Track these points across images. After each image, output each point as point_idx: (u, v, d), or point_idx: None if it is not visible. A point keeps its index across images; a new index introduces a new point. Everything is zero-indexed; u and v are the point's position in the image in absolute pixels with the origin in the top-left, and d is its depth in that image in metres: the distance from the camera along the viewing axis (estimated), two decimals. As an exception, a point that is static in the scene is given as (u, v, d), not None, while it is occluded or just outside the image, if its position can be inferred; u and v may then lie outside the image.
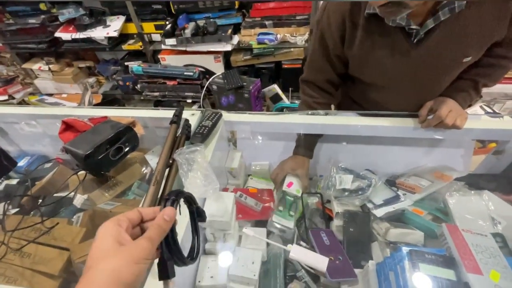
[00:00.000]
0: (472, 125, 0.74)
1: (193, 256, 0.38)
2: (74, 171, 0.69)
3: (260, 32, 1.79)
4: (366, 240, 0.67)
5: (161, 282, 0.33)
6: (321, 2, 0.76)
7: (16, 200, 0.78)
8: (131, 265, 0.29)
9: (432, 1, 0.58)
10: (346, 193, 0.74)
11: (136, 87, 1.93)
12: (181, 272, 0.54)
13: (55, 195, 0.78)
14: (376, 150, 0.88)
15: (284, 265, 0.65)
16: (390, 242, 0.63)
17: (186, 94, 1.88)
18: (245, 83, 1.65)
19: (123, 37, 1.99)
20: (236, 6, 1.78)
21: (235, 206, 0.70)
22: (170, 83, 1.85)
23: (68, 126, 0.72)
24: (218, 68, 1.92)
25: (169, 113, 0.72)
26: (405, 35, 0.64)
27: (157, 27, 1.87)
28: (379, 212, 0.68)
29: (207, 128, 0.71)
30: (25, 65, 2.22)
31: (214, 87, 1.74)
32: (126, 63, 2.00)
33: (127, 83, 2.08)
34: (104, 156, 0.61)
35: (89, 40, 1.92)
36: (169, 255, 0.33)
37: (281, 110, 1.84)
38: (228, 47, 1.78)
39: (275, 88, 1.82)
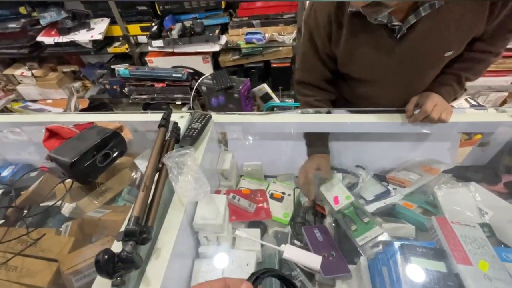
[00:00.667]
0: (457, 118, 0.75)
1: None
2: (60, 180, 0.67)
3: (247, 31, 1.78)
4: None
5: None
6: (307, 1, 0.77)
7: (0, 211, 0.75)
8: None
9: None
10: (338, 190, 0.75)
11: (123, 90, 1.90)
12: (175, 277, 0.53)
13: (41, 204, 0.76)
14: (366, 146, 0.89)
15: (279, 265, 0.65)
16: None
17: (175, 96, 1.86)
18: (234, 83, 1.64)
19: (108, 39, 1.95)
20: (223, 6, 1.77)
21: (228, 208, 0.70)
22: (158, 85, 1.82)
23: (52, 133, 0.70)
24: (207, 69, 1.91)
25: (158, 116, 0.71)
26: (388, 32, 0.65)
27: (143, 29, 1.84)
28: (371, 208, 0.68)
29: (196, 131, 0.71)
30: (7, 71, 2.15)
31: (203, 88, 1.72)
32: (112, 66, 1.96)
33: (114, 87, 2.03)
34: (91, 163, 0.60)
35: (73, 44, 1.87)
36: None
37: (271, 109, 1.84)
38: (216, 48, 1.76)
39: (265, 87, 1.82)
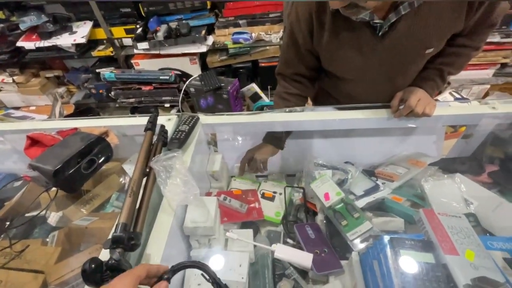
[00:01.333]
0: (441, 112, 0.77)
1: None
2: (44, 189, 0.65)
3: (234, 31, 1.78)
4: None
5: None
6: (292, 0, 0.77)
7: (-17, 224, 0.73)
8: None
9: (390, 0, 0.60)
10: (328, 187, 0.75)
11: (110, 94, 1.86)
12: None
13: (26, 215, 0.74)
14: (354, 142, 0.90)
15: (272, 265, 0.65)
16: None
17: (163, 98, 1.83)
18: (223, 84, 1.63)
19: (92, 43, 1.91)
20: (208, 7, 1.76)
21: (219, 210, 0.69)
22: (145, 88, 1.80)
23: (34, 141, 0.68)
24: (194, 70, 1.89)
25: (145, 120, 0.70)
26: (370, 30, 0.66)
27: (128, 31, 1.81)
28: (361, 203, 0.69)
29: (184, 133, 0.70)
30: (-14, 78, 2.07)
31: (192, 89, 1.71)
32: (97, 70, 1.92)
33: (100, 91, 1.99)
34: (75, 170, 0.58)
35: (55, 48, 1.82)
36: None
37: (261, 108, 1.84)
38: (203, 48, 1.75)
39: (254, 87, 1.82)
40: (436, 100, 1.91)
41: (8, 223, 0.68)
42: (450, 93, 1.94)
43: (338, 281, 0.60)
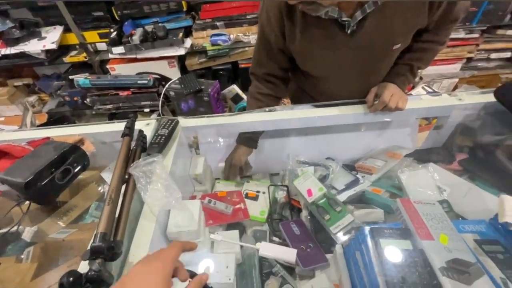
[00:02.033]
0: (414, 105, 0.81)
1: None
2: (16, 203, 0.61)
3: (212, 33, 1.77)
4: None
5: None
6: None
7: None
8: None
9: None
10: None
11: (85, 101, 1.80)
12: None
13: (-2, 232, 0.70)
14: (334, 138, 0.92)
15: (259, 264, 0.65)
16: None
17: (143, 103, 1.79)
18: (203, 86, 1.62)
19: (64, 48, 1.83)
20: (185, 9, 1.74)
21: (203, 212, 0.69)
22: (123, 93, 1.75)
23: (2, 153, 0.64)
24: (174, 73, 1.86)
25: (123, 126, 0.68)
26: (340, 27, 0.67)
27: (101, 36, 1.76)
28: (342, 197, 0.71)
29: (163, 137, 0.69)
30: None
31: (172, 93, 1.68)
32: (70, 77, 1.84)
33: (75, 98, 1.92)
34: (48, 181, 0.55)
35: (23, 55, 1.73)
36: None
37: (243, 109, 1.83)
38: (181, 51, 1.73)
39: (235, 88, 1.82)
40: (410, 94, 1.98)
41: (-24, 241, 0.63)
42: (423, 87, 2.04)
43: (324, 274, 0.61)
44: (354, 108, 0.82)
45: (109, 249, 0.43)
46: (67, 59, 1.83)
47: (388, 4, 0.63)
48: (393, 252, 0.49)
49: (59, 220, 0.69)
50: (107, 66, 1.83)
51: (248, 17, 1.75)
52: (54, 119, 1.94)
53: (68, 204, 0.72)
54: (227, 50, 1.79)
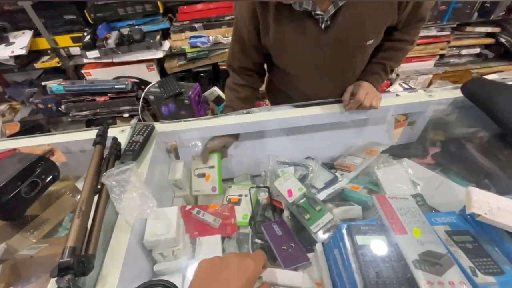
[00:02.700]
0: (388, 102, 0.83)
1: None
2: (-20, 220, 0.58)
3: (191, 35, 1.75)
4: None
5: None
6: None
7: None
8: None
9: None
10: (291, 184, 0.77)
11: (60, 108, 1.72)
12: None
13: (-38, 252, 0.65)
14: (313, 138, 0.93)
15: (241, 267, 0.65)
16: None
17: (121, 108, 1.74)
18: (183, 89, 1.60)
19: (35, 54, 1.75)
20: (161, 11, 1.70)
21: (182, 219, 0.67)
22: (100, 99, 1.69)
23: (-37, 168, 0.60)
24: (153, 76, 1.82)
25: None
26: (314, 22, 0.68)
27: (75, 40, 1.69)
28: (322, 195, 0.72)
29: (138, 144, 0.67)
30: None
31: (151, 97, 1.65)
32: (43, 83, 1.76)
33: (49, 105, 1.83)
34: (14, 195, 0.52)
35: (-10, 62, 1.64)
36: None
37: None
38: (160, 54, 1.70)
39: (216, 90, 1.81)
40: (388, 91, 2.03)
41: None
42: (400, 84, 2.11)
43: (306, 273, 0.62)
44: (331, 107, 0.84)
45: (79, 264, 0.42)
46: (38, 64, 1.75)
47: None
48: (369, 248, 0.50)
49: (30, 235, 0.66)
50: (82, 71, 1.76)
51: (226, 18, 1.74)
52: (27, 128, 1.85)
53: (39, 217, 0.69)
54: (207, 52, 1.77)
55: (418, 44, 2.02)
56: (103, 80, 1.71)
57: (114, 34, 1.62)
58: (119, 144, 0.67)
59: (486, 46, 2.12)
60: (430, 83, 2.21)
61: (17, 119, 1.95)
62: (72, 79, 1.78)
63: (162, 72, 1.88)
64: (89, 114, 1.72)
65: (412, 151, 0.84)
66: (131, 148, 0.66)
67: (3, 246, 0.65)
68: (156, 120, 1.77)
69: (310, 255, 0.64)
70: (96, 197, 0.55)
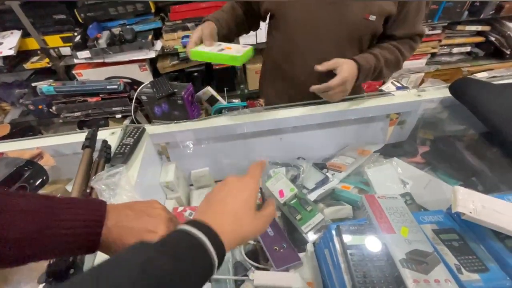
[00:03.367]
0: (379, 102, 0.84)
1: None
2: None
3: (183, 35, 1.73)
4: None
5: None
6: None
7: None
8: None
9: None
10: (283, 184, 0.77)
11: (51, 109, 1.70)
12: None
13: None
14: (307, 137, 0.93)
15: (233, 269, 0.65)
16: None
17: (114, 109, 1.72)
18: (176, 90, 1.57)
19: (24, 54, 1.72)
20: (153, 10, 1.69)
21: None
22: (92, 100, 1.67)
23: None
24: (145, 77, 1.81)
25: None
26: None
27: (65, 40, 1.67)
28: (313, 196, 0.72)
29: (128, 146, 0.66)
30: None
31: (144, 97, 1.62)
32: (33, 84, 1.74)
33: (40, 107, 1.81)
34: (1, 200, 0.52)
35: (-23, 63, 1.61)
36: None
37: (219, 111, 1.82)
38: (152, 54, 1.68)
39: (209, 90, 1.79)
40: (381, 90, 2.01)
41: None
42: (392, 83, 2.13)
43: (297, 273, 0.62)
44: (325, 107, 0.84)
45: (67, 270, 0.41)
46: (28, 65, 1.72)
47: None
48: (357, 248, 0.50)
49: (20, 240, 0.65)
50: (73, 72, 1.74)
51: (219, 17, 1.73)
52: (17, 130, 1.83)
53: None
54: (200, 51, 1.76)
55: (410, 43, 2.04)
56: (95, 80, 1.69)
57: (105, 34, 1.60)
58: (109, 147, 0.67)
59: (477, 45, 2.15)
60: (422, 82, 2.24)
61: (7, 120, 1.92)
62: (63, 80, 1.75)
63: (155, 72, 1.86)
64: (81, 115, 1.70)
65: (403, 150, 0.85)
66: (121, 151, 0.65)
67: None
68: (149, 121, 1.76)
69: (301, 255, 0.65)
70: (85, 201, 0.54)
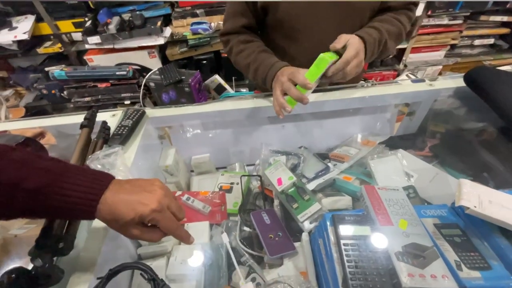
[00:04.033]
0: (387, 91, 0.80)
1: None
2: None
3: (192, 22, 1.72)
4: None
5: None
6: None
7: None
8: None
9: None
10: (283, 173, 0.76)
11: (62, 94, 1.74)
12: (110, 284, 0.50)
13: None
14: (311, 126, 0.91)
15: (226, 254, 0.65)
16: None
17: (123, 95, 1.74)
18: (183, 77, 1.58)
19: (37, 39, 1.76)
20: (163, -4, 1.68)
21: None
22: (102, 85, 1.70)
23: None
24: (154, 63, 1.81)
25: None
26: None
27: (76, 25, 1.69)
28: (312, 185, 0.71)
29: (127, 128, 0.66)
30: None
31: (152, 84, 1.64)
32: (46, 69, 1.78)
33: (53, 91, 1.85)
34: None
35: (-6, 47, 1.66)
36: None
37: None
38: (161, 41, 1.68)
39: (217, 78, 1.79)
40: (395, 82, 1.93)
41: None
42: (407, 75, 2.04)
43: (291, 262, 0.61)
44: (330, 95, 0.81)
45: (57, 244, 0.42)
46: (41, 50, 1.76)
47: None
48: (352, 239, 0.48)
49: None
50: (85, 57, 1.77)
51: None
52: (32, 113, 1.89)
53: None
54: (208, 39, 1.74)
55: (428, 34, 1.94)
56: (105, 66, 1.71)
57: (115, 20, 1.61)
58: (108, 128, 0.67)
59: (501, 36, 2.02)
60: (439, 75, 2.14)
61: (22, 104, 1.99)
62: (74, 65, 1.78)
63: (164, 59, 1.87)
64: (91, 100, 1.73)
65: (410, 142, 0.81)
66: (119, 132, 0.65)
67: (-4, 224, 0.67)
68: (156, 106, 1.78)
69: (297, 244, 0.64)
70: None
